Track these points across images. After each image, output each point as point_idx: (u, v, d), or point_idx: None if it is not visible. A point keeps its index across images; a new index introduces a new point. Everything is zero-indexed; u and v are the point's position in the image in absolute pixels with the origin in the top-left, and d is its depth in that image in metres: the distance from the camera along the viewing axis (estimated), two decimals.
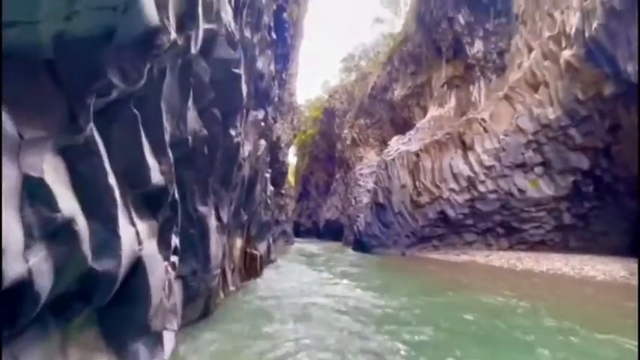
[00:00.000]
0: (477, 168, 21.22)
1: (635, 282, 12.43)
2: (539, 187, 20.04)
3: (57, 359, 2.67)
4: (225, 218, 7.80)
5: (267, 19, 13.04)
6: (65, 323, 2.76)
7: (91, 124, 2.75)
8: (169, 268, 4.33)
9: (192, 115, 5.51)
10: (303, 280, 11.46)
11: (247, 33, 9.11)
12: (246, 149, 9.70)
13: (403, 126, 33.07)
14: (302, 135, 52.74)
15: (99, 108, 3.02)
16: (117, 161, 3.38)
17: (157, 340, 3.69)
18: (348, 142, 42.49)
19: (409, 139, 25.63)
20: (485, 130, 21.40)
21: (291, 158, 53.97)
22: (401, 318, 6.91)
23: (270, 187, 14.40)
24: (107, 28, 2.55)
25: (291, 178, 51.52)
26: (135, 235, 3.36)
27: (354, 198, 35.94)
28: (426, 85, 31.93)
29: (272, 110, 18.04)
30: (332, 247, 29.20)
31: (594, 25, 14.57)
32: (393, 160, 23.98)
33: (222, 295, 7.51)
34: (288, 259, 18.47)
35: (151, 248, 3.71)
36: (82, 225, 2.55)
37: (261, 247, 12.43)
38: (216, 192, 7.33)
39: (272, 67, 15.46)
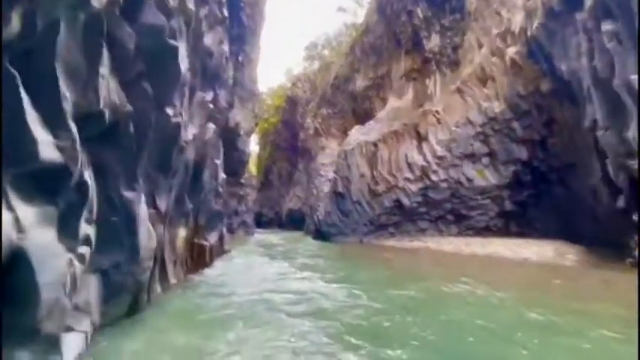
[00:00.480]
0: (430, 158, 22.09)
1: (561, 261, 13.85)
2: (485, 177, 21.42)
3: None
4: (162, 206, 7.13)
5: None
6: None
7: None
8: (75, 261, 3.73)
9: (111, 86, 4.80)
10: (257, 272, 10.90)
11: (191, 5, 8.28)
12: (191, 132, 8.95)
13: (364, 117, 33.38)
14: (264, 123, 51.26)
15: None
16: None
17: (52, 345, 3.14)
18: (311, 132, 42.12)
19: (369, 130, 25.95)
20: (439, 122, 22.29)
21: (254, 147, 52.39)
22: (373, 321, 5.81)
23: (222, 175, 13.65)
24: None
25: (253, 167, 50.01)
26: (12, 221, 2.76)
27: (316, 187, 35.90)
28: (386, 77, 32.42)
29: (226, 93, 17.05)
30: (293, 237, 28.98)
31: (535, 24, 15.58)
32: (353, 149, 24.15)
33: (159, 289, 6.89)
34: (245, 251, 17.88)
35: (42, 238, 3.11)
36: None
37: (212, 238, 11.77)
38: (151, 177, 6.64)
39: (225, 47, 14.51)
